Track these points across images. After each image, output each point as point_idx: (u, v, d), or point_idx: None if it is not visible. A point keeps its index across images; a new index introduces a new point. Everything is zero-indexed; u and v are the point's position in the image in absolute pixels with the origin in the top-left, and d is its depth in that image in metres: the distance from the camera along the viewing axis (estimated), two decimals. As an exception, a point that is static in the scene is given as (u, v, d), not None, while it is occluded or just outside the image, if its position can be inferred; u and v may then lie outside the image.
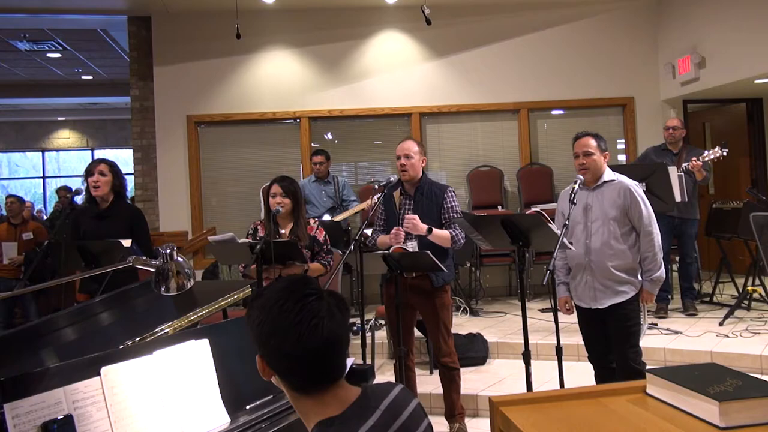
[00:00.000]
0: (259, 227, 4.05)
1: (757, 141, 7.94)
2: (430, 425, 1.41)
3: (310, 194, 6.46)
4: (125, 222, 4.10)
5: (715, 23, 6.71)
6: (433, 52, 7.59)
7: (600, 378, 3.63)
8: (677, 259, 5.95)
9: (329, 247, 4.02)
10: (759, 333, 4.95)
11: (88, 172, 4.12)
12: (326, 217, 6.29)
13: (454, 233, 3.73)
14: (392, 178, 3.92)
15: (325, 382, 1.29)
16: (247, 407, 2.12)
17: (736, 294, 5.94)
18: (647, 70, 7.62)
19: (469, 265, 6.79)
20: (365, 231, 3.80)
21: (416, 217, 3.66)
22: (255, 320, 1.28)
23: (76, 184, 13.52)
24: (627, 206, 3.45)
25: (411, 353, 3.94)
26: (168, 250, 2.17)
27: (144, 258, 2.37)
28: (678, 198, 5.30)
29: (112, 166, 4.19)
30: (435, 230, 3.68)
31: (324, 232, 4.02)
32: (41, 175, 16.03)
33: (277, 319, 1.25)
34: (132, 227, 4.11)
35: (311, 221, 4.06)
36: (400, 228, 3.75)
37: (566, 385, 3.36)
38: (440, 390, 3.96)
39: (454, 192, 3.88)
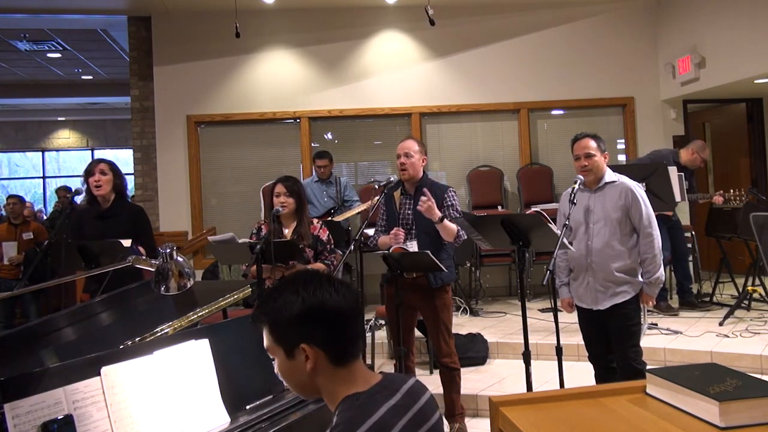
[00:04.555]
0: (262, 227, 4.06)
1: (757, 141, 7.93)
2: (441, 417, 1.50)
3: (311, 194, 6.46)
4: (128, 221, 4.08)
5: (715, 23, 6.71)
6: (433, 52, 7.59)
7: (600, 378, 3.63)
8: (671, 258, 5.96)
9: (332, 246, 4.02)
10: (759, 333, 4.95)
11: (89, 173, 4.10)
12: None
13: (458, 228, 3.72)
14: (392, 178, 3.92)
15: (356, 349, 1.43)
16: (247, 407, 2.12)
17: (736, 294, 5.93)
18: (647, 70, 7.62)
19: (469, 265, 6.78)
20: (366, 231, 3.80)
21: (433, 201, 3.64)
22: (295, 303, 1.37)
23: (76, 184, 13.50)
24: (628, 207, 3.45)
25: (411, 354, 3.93)
26: (168, 250, 2.17)
27: (144, 258, 2.37)
28: (678, 198, 5.31)
29: (112, 166, 4.18)
30: (446, 221, 3.67)
31: (327, 232, 4.02)
32: (41, 175, 16.03)
33: (319, 287, 1.39)
34: (135, 226, 4.10)
35: (314, 221, 4.07)
36: (400, 228, 3.75)
37: (566, 385, 3.36)
38: (440, 390, 3.96)
39: (455, 192, 3.87)
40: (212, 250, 4.92)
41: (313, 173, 6.80)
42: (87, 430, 1.74)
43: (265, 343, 1.43)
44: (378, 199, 3.89)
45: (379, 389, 1.39)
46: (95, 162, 4.18)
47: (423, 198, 3.64)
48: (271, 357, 1.44)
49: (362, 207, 6.40)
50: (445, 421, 3.91)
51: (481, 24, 7.60)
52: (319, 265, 3.91)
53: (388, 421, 1.34)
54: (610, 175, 3.55)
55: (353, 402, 1.35)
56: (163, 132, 7.51)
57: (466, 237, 3.76)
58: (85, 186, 4.13)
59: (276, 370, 1.44)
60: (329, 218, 6.17)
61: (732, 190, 5.53)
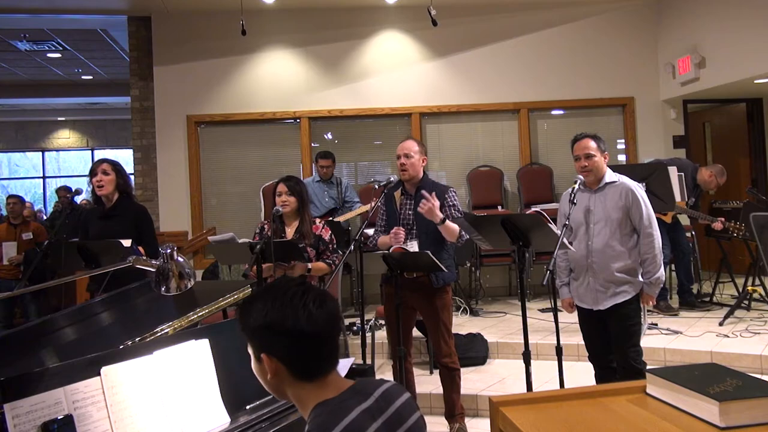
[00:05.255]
0: (265, 226, 4.07)
1: (757, 141, 7.94)
2: (422, 417, 1.48)
3: (312, 194, 6.46)
4: (130, 221, 4.08)
5: (715, 23, 6.71)
6: (433, 52, 7.59)
7: (600, 378, 3.63)
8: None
9: (335, 246, 4.03)
10: (759, 333, 4.95)
11: (92, 173, 4.12)
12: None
13: (460, 229, 3.71)
14: (392, 178, 3.92)
15: (328, 364, 1.39)
16: (247, 407, 2.12)
17: (736, 294, 5.94)
18: (647, 70, 7.62)
19: (469, 265, 6.78)
20: (366, 231, 3.80)
21: (436, 201, 3.62)
22: (260, 313, 1.35)
23: (76, 184, 13.52)
24: (628, 207, 3.45)
25: (409, 355, 3.93)
26: (168, 250, 2.17)
27: (144, 258, 2.37)
28: (678, 198, 5.31)
29: (115, 165, 4.18)
30: (448, 222, 3.65)
31: (329, 231, 4.04)
32: (41, 175, 16.03)
33: (286, 303, 1.35)
34: (137, 226, 4.10)
35: (317, 220, 4.08)
36: (400, 228, 3.75)
37: (566, 385, 3.36)
38: (440, 390, 3.96)
39: (455, 192, 3.87)
40: (212, 250, 4.93)
41: (314, 173, 6.80)
42: (87, 430, 1.74)
43: None
44: (377, 201, 3.89)
45: (351, 394, 1.38)
46: (98, 162, 4.20)
47: (423, 201, 3.63)
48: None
49: (363, 209, 6.40)
50: (445, 421, 3.91)
51: (481, 24, 7.60)
52: (321, 264, 3.92)
53: (361, 424, 1.32)
54: (610, 176, 3.55)
55: (324, 408, 1.34)
56: (163, 132, 7.51)
57: (468, 236, 3.76)
58: (91, 186, 4.15)
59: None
60: (330, 218, 6.17)
61: (733, 222, 5.59)
